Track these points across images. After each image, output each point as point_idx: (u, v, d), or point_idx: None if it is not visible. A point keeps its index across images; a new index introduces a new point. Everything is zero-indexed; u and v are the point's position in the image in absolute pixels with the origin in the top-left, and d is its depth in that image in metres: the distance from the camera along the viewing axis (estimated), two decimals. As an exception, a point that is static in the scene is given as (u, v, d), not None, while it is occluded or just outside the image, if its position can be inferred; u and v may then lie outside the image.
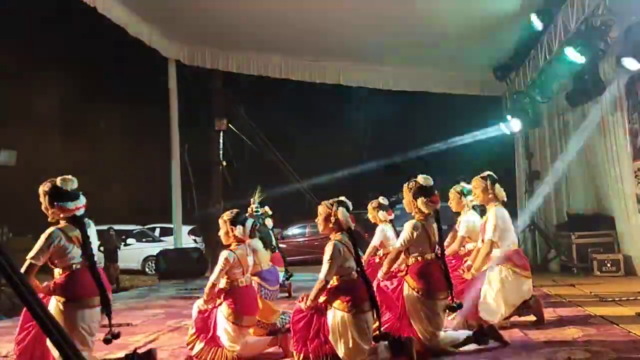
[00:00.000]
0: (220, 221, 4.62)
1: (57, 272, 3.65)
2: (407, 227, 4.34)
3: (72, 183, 3.67)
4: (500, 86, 11.55)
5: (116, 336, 3.64)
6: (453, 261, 5.47)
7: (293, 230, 17.31)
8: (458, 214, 5.85)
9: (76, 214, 3.67)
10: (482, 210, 5.45)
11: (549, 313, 5.35)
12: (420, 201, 4.31)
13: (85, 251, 3.65)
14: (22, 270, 3.43)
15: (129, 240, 15.54)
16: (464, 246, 5.72)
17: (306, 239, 16.73)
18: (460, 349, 4.21)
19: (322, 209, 4.04)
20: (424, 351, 4.08)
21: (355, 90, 13.79)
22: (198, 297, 4.61)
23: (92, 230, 3.77)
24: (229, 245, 4.53)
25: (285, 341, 4.32)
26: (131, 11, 9.79)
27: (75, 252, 3.62)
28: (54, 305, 3.54)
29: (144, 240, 16.93)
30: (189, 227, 16.53)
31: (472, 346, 4.23)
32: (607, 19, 6.96)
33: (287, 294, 7.63)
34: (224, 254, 4.36)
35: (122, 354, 3.95)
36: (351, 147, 22.90)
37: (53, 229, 3.59)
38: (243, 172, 15.97)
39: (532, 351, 4.10)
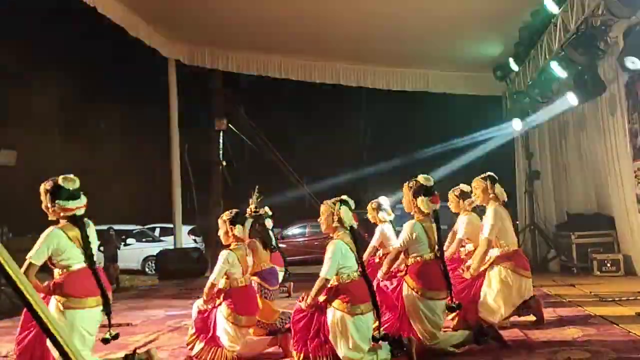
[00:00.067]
0: (220, 221, 4.63)
1: (57, 272, 3.64)
2: (407, 227, 4.34)
3: (74, 182, 3.67)
4: (500, 86, 11.55)
5: (115, 336, 3.64)
6: (455, 268, 5.44)
7: (293, 230, 17.30)
8: (458, 214, 5.84)
9: (76, 213, 3.67)
10: (482, 211, 5.44)
11: (549, 313, 5.34)
12: (420, 200, 4.31)
13: (85, 251, 3.65)
14: (22, 270, 3.43)
15: (129, 240, 15.54)
16: (463, 246, 5.71)
17: (306, 239, 16.72)
18: (460, 349, 4.20)
19: (324, 208, 4.04)
20: (424, 351, 4.07)
21: (355, 90, 13.79)
22: (198, 297, 4.61)
23: (91, 230, 3.77)
24: (229, 245, 4.53)
25: (285, 341, 4.31)
26: (131, 11, 9.78)
27: (75, 252, 3.62)
28: (54, 305, 3.53)
29: (144, 240, 16.92)
30: (189, 227, 16.53)
31: (472, 346, 4.23)
32: (607, 19, 6.96)
33: (287, 294, 7.63)
34: (223, 253, 4.37)
35: (122, 354, 3.94)
36: (351, 147, 22.94)
37: (53, 229, 3.59)
38: (243, 172, 16.00)
39: (532, 351, 4.10)
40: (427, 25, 9.42)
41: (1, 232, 10.23)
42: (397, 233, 5.72)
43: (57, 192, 3.62)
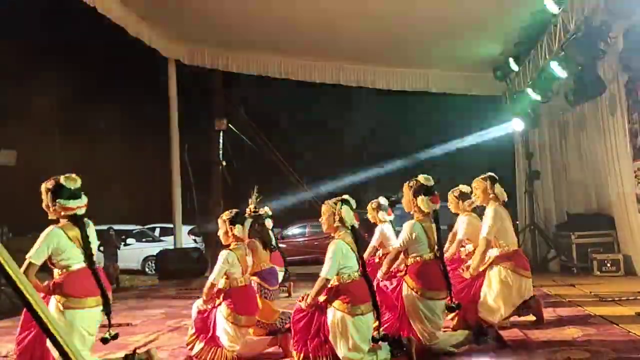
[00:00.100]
0: (220, 221, 4.63)
1: (56, 272, 3.64)
2: (406, 227, 4.35)
3: (76, 182, 3.68)
4: (500, 86, 11.55)
5: (114, 336, 3.64)
6: (456, 269, 5.44)
7: (293, 230, 17.31)
8: (458, 214, 5.84)
9: (77, 213, 3.67)
10: (482, 212, 5.43)
11: (548, 313, 5.35)
12: (420, 199, 4.31)
13: (85, 251, 3.65)
14: (22, 269, 3.43)
15: (129, 240, 15.55)
16: (463, 246, 5.72)
17: (306, 238, 16.73)
18: (460, 348, 4.20)
19: (325, 208, 4.04)
20: (423, 351, 4.07)
21: (355, 90, 13.79)
22: (198, 297, 4.61)
23: (91, 230, 3.77)
24: (228, 245, 4.53)
25: (285, 341, 4.31)
26: (131, 11, 9.78)
27: (75, 251, 3.62)
28: (54, 305, 3.53)
29: (144, 240, 16.94)
30: (189, 227, 16.53)
31: (471, 346, 4.23)
32: (607, 19, 6.96)
33: (287, 294, 7.63)
34: (222, 253, 4.37)
35: (122, 354, 3.95)
36: (351, 147, 22.94)
37: (53, 228, 3.59)
38: (243, 172, 15.99)
39: (532, 351, 4.10)
40: (427, 25, 9.40)
41: (1, 232, 10.22)
42: (397, 233, 5.73)
43: (58, 191, 3.62)
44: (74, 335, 3.47)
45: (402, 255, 4.44)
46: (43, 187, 3.68)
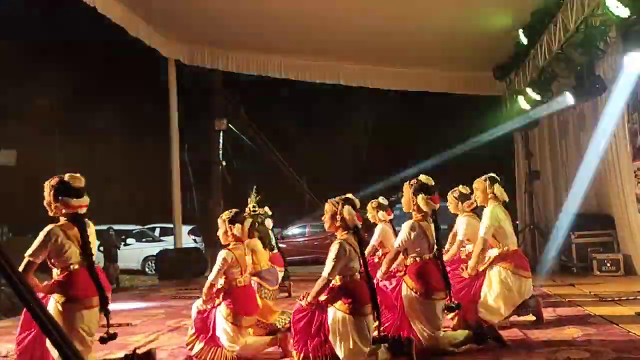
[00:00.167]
0: (219, 221, 4.63)
1: (55, 272, 3.64)
2: (405, 227, 4.34)
3: (79, 181, 3.69)
4: (500, 86, 11.55)
5: (113, 336, 3.63)
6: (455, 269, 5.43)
7: (293, 230, 17.31)
8: (457, 215, 5.84)
9: (78, 212, 3.67)
10: (482, 212, 5.43)
11: (548, 313, 5.35)
12: (420, 198, 4.31)
13: (85, 251, 3.65)
14: (21, 267, 3.43)
15: (129, 240, 15.56)
16: (464, 247, 5.71)
17: (306, 239, 16.73)
18: (460, 348, 4.20)
19: (328, 207, 4.03)
20: (423, 351, 4.07)
21: (355, 90, 13.79)
22: (198, 297, 4.61)
23: (91, 230, 3.77)
24: (228, 245, 4.53)
25: (285, 341, 4.31)
26: (131, 11, 9.78)
27: (74, 251, 3.61)
28: (53, 305, 3.53)
29: (144, 240, 16.94)
30: (189, 227, 16.54)
31: (471, 346, 4.23)
32: (607, 19, 6.96)
33: (287, 294, 7.62)
34: (222, 253, 4.37)
35: (122, 354, 3.95)
36: (351, 147, 22.93)
37: (52, 226, 3.58)
38: (243, 172, 15.99)
39: (532, 351, 4.10)
40: (427, 25, 9.40)
41: (1, 232, 10.23)
42: (397, 233, 5.73)
43: (62, 189, 3.62)
44: (73, 336, 3.47)
45: (401, 255, 4.43)
46: (47, 184, 3.68)
